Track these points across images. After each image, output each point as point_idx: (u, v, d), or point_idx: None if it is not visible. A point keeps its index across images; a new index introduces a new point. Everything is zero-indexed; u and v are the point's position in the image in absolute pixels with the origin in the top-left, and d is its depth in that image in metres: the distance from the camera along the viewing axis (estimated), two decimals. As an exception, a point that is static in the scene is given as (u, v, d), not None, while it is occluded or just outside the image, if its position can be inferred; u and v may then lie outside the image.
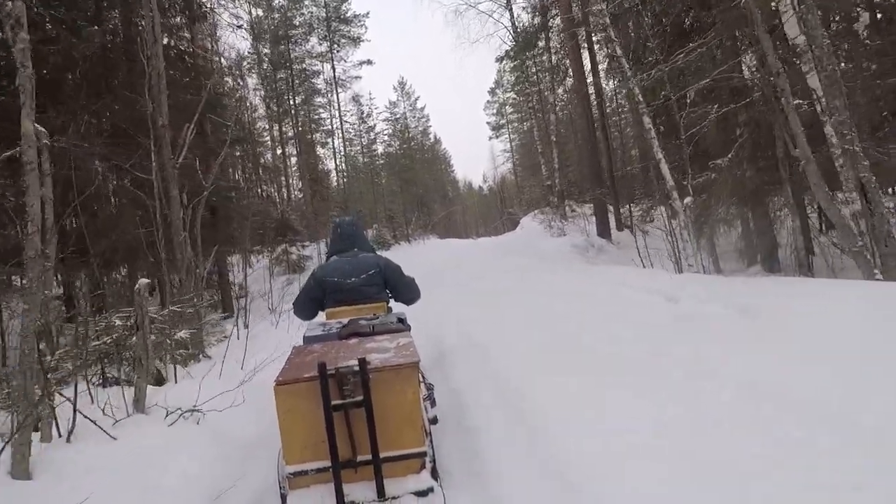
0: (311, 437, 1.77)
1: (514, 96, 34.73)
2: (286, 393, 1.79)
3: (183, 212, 7.04)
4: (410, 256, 11.75)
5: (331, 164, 30.91)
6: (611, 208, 16.81)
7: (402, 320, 2.78)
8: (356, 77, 28.63)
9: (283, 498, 1.84)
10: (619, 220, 17.11)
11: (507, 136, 43.76)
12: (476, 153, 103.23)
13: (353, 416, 1.77)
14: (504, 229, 39.11)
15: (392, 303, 3.30)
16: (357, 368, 1.76)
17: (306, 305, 3.18)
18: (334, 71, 27.73)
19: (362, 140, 35.55)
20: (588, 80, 16.39)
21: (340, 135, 28.41)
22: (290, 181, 32.01)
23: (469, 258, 12.61)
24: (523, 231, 21.20)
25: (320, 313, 3.17)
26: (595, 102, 16.91)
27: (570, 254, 13.21)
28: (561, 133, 22.03)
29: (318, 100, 28.77)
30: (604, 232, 15.44)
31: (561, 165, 21.34)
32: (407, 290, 3.25)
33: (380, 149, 36.49)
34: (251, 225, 20.10)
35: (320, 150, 31.13)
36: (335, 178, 30.42)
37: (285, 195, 31.87)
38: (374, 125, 35.43)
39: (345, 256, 3.12)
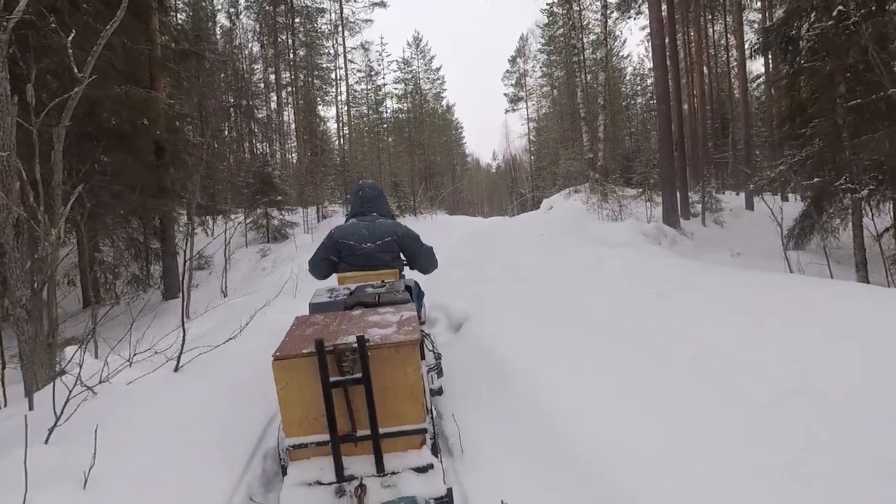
0: (309, 412, 1.74)
1: (546, 57, 30.86)
2: (284, 367, 1.73)
3: (11, 115, 3.61)
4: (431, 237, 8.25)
5: (331, 119, 27.13)
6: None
7: (409, 288, 2.73)
8: (367, 20, 24.71)
9: (284, 469, 1.82)
10: (686, 207, 13.72)
11: (524, 109, 40.13)
12: (486, 128, 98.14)
13: (352, 392, 1.72)
14: (516, 209, 35.93)
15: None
16: (356, 345, 1.70)
17: (321, 264, 3.06)
18: (342, 10, 23.78)
19: (369, 98, 31.68)
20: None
21: (345, 85, 24.55)
22: (284, 138, 28.31)
23: (515, 245, 9.07)
24: (555, 211, 17.72)
25: (334, 276, 3.07)
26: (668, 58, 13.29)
27: (646, 244, 9.86)
28: (604, 99, 18.41)
29: (322, 44, 24.85)
30: (672, 219, 12.05)
31: (606, 136, 17.85)
32: (423, 260, 3.14)
33: (390, 105, 32.57)
34: (229, 180, 16.59)
35: (321, 106, 27.39)
36: (336, 137, 26.69)
37: (277, 153, 28.23)
38: (384, 84, 31.48)
39: (363, 220, 3.07)
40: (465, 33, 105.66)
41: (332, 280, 3.05)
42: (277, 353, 1.73)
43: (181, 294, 8.11)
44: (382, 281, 2.71)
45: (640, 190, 15.55)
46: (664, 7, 12.60)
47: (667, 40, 13.10)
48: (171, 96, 11.64)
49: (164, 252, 8.84)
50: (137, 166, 8.44)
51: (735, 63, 17.66)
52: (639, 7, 14.23)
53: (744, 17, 23.61)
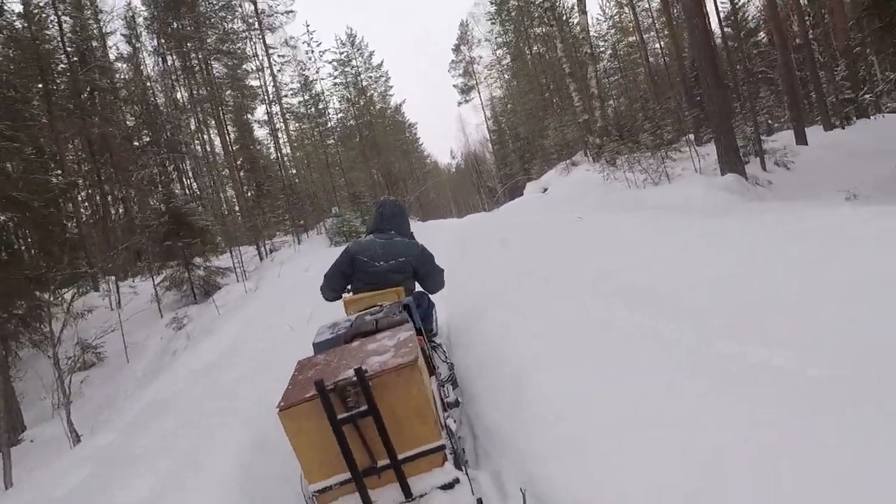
0: (326, 454, 1.71)
1: (499, 28, 27.71)
2: (291, 416, 1.70)
3: None
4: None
5: (262, 125, 23.17)
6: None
7: (407, 306, 2.51)
8: (288, 12, 20.93)
9: None
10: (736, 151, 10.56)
11: (478, 97, 37.16)
12: (443, 129, 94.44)
13: (363, 425, 1.69)
14: (491, 202, 32.63)
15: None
16: (356, 378, 1.66)
17: (335, 279, 3.02)
18: (256, 3, 19.95)
19: (309, 109, 27.74)
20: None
21: (273, 88, 20.72)
22: (213, 168, 24.21)
23: (552, 246, 5.45)
24: (556, 191, 14.39)
25: (344, 295, 3.02)
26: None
27: (740, 202, 6.66)
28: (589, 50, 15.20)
29: (236, 45, 20.96)
30: (737, 167, 8.89)
31: (601, 91, 14.72)
32: (434, 281, 3.12)
33: (335, 104, 28.79)
34: (143, 227, 12.47)
35: (255, 125, 23.42)
36: (273, 152, 22.83)
37: (210, 189, 24.09)
38: (322, 83, 27.60)
39: (380, 237, 3.03)
40: (402, 34, 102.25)
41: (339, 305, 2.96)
42: (282, 403, 1.70)
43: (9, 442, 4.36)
44: (381, 306, 2.60)
45: (660, 145, 12.44)
46: None
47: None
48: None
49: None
50: None
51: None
52: None
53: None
